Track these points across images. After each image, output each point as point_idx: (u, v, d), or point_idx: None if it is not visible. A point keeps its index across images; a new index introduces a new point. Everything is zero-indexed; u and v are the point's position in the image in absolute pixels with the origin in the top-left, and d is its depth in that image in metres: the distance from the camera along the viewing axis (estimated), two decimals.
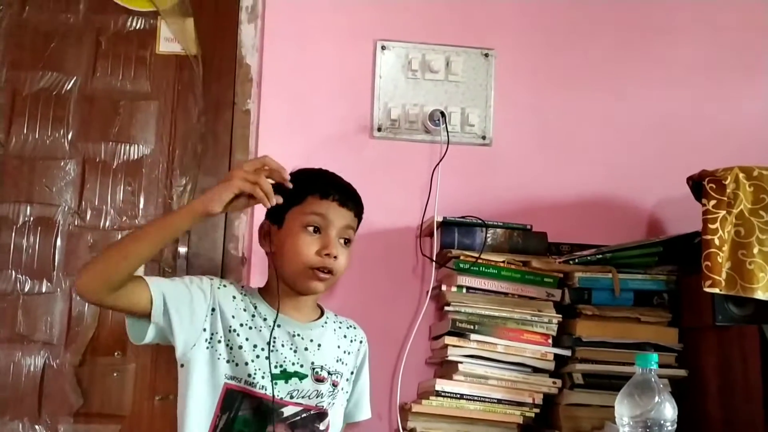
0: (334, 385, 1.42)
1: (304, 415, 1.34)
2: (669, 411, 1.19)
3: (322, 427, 1.37)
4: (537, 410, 1.71)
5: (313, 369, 1.38)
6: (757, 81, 2.17)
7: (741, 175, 1.65)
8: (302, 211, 1.38)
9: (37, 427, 1.83)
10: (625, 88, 2.11)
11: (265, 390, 1.32)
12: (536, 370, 1.75)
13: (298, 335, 1.40)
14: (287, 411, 1.33)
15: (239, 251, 1.92)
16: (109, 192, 1.95)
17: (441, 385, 1.69)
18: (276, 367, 1.34)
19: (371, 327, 1.87)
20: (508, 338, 1.73)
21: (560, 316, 1.76)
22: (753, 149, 1.99)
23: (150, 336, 1.32)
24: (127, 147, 1.97)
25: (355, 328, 1.53)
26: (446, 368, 1.78)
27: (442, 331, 1.77)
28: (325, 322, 1.46)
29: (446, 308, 1.74)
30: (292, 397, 1.35)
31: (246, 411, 1.33)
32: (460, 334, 1.73)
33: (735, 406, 1.61)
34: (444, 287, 1.78)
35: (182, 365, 1.37)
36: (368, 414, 1.57)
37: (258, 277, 1.89)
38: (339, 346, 1.46)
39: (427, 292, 1.89)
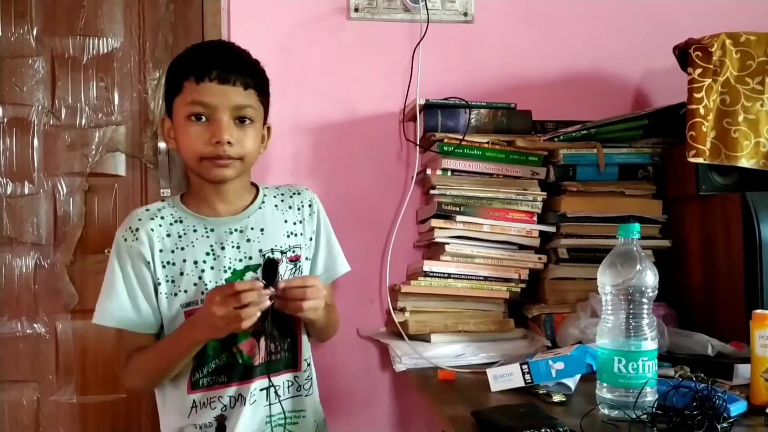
0: (293, 261, 1.37)
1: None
2: (650, 278, 1.21)
3: None
4: (523, 285, 1.75)
5: (263, 256, 1.33)
6: None
7: (728, 42, 1.61)
8: (183, 100, 1.28)
9: (35, 325, 1.88)
10: None
11: None
12: (522, 247, 1.77)
13: (236, 230, 1.34)
14: None
15: None
16: (82, 89, 1.89)
17: (429, 265, 1.72)
18: (225, 271, 1.30)
19: (358, 214, 1.89)
20: (494, 218, 1.74)
21: (545, 193, 1.76)
22: (740, 19, 1.92)
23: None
24: (96, 41, 1.90)
25: (299, 193, 1.44)
26: (433, 250, 1.81)
27: (428, 215, 1.78)
28: (263, 202, 1.38)
29: (432, 192, 1.74)
30: None
31: None
32: (447, 216, 1.74)
33: (717, 272, 1.65)
34: (429, 171, 1.77)
35: None
36: (346, 267, 1.49)
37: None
38: (286, 220, 1.39)
39: (413, 176, 1.89)
